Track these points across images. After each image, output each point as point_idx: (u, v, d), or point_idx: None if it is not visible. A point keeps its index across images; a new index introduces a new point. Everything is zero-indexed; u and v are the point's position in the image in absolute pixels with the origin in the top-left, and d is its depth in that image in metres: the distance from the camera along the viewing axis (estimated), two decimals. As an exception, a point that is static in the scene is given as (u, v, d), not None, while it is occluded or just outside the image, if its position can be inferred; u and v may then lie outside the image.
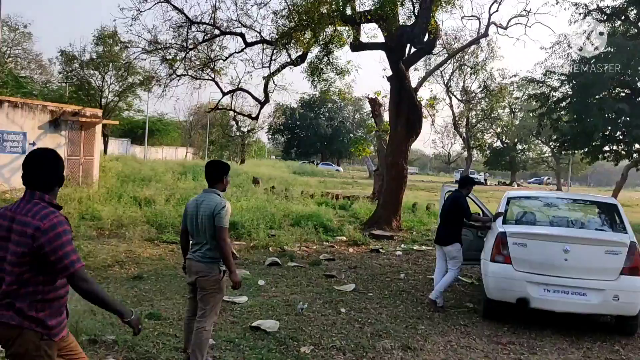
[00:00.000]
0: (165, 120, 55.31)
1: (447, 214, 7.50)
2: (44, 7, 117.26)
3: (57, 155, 2.89)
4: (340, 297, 7.43)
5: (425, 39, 12.94)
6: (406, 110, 14.09)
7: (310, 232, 12.22)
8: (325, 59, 14.06)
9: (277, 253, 10.48)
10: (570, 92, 17.21)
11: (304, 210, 14.77)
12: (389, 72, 14.31)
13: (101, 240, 10.49)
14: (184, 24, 15.40)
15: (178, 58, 15.77)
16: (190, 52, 16.79)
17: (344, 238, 12.53)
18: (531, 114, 59.56)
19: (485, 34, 17.21)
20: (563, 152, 20.52)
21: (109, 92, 33.59)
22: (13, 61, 40.59)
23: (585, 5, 15.95)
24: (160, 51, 15.18)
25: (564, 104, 17.72)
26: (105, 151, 32.77)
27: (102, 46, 31.06)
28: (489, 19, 16.97)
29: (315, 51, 14.22)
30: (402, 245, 12.11)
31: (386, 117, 18.61)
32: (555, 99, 18.23)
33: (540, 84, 18.61)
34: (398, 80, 13.61)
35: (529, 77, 18.79)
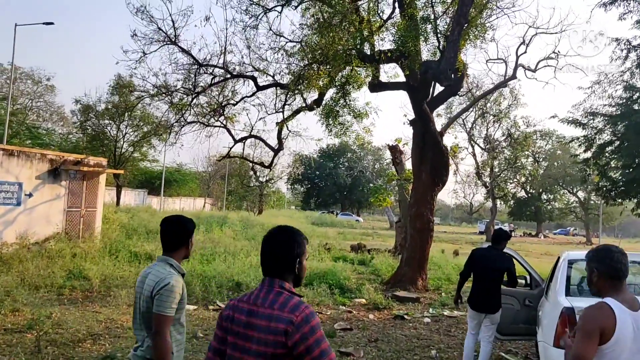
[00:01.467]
0: (183, 171, 54.80)
1: (496, 274, 6.22)
2: (60, 57, 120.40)
3: (296, 234, 2.39)
4: (357, 386, 5.92)
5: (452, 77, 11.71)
6: (431, 156, 12.78)
7: (324, 294, 10.72)
8: (342, 100, 12.90)
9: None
10: (620, 134, 15.61)
11: (318, 267, 13.29)
12: (411, 116, 13.11)
13: (83, 306, 9.14)
14: (192, 66, 14.52)
15: (185, 102, 14.81)
16: (199, 97, 15.88)
17: (363, 301, 10.99)
18: (555, 164, 58.42)
19: (514, 76, 15.99)
20: (611, 202, 18.39)
21: (123, 142, 33.00)
22: (35, 113, 40.75)
23: (629, 41, 14.65)
24: (165, 95, 14.22)
25: (612, 147, 16.10)
26: (117, 202, 31.90)
27: (117, 95, 30.64)
28: (517, 60, 15.79)
29: (330, 93, 13.09)
30: (430, 310, 10.50)
31: (408, 165, 17.34)
32: (601, 142, 16.63)
33: (583, 126, 17.00)
34: (422, 123, 12.35)
35: (570, 118, 17.21)
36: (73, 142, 36.73)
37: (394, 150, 19.95)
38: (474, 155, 42.32)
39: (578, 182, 56.78)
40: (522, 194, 61.76)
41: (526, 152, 45.36)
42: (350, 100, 12.96)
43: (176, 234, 3.18)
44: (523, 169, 49.41)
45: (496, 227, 55.93)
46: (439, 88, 12.91)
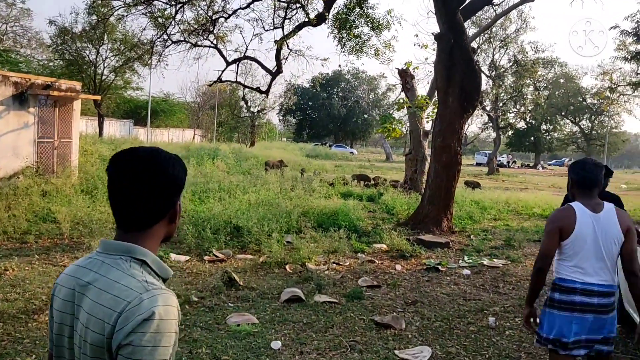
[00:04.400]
0: (170, 101, 52.24)
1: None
2: None
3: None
4: (412, 379, 4.33)
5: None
6: (460, 77, 10.84)
7: (339, 239, 9.06)
8: (357, 9, 10.75)
9: (296, 274, 7.39)
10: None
11: (327, 206, 11.63)
12: (424, 38, 11.08)
13: (48, 258, 7.43)
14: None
15: (169, 15, 12.59)
16: (185, 12, 13.62)
17: (384, 247, 9.39)
18: (557, 93, 56.30)
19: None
20: None
21: (104, 67, 30.37)
22: (12, 39, 37.63)
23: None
24: (144, 4, 11.96)
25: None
26: (100, 133, 29.73)
27: (95, 15, 27.78)
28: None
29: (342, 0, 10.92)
30: (466, 259, 8.91)
31: (420, 90, 15.35)
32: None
33: None
34: (454, 36, 10.33)
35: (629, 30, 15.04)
36: (51, 68, 34.00)
37: (405, 74, 17.86)
38: (478, 83, 40.18)
39: (582, 110, 55.16)
40: (521, 124, 60.05)
41: (527, 81, 43.29)
42: (367, 8, 10.80)
43: (148, 191, 1.38)
44: (525, 98, 47.42)
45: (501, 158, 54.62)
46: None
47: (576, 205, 3.19)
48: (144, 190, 1.36)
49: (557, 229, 3.17)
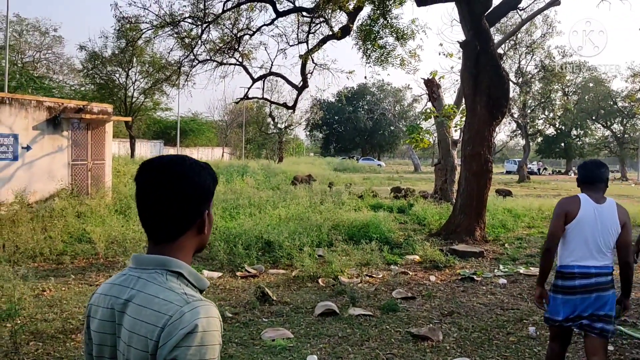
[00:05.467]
0: (199, 120, 53.00)
1: None
2: (61, 4, 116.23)
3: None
4: (452, 392, 4.23)
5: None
6: (487, 83, 10.72)
7: (371, 251, 8.98)
8: (381, 19, 10.75)
9: (329, 287, 7.33)
10: None
11: (357, 219, 11.57)
12: (449, 47, 11.00)
13: (85, 278, 7.54)
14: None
15: (195, 35, 12.80)
16: (210, 31, 13.82)
17: (417, 258, 9.26)
18: (586, 97, 55.17)
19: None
20: None
21: (134, 89, 31.05)
22: (45, 66, 38.88)
23: None
24: (171, 26, 12.19)
25: None
26: (132, 154, 30.33)
27: (124, 39, 28.50)
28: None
29: (366, 11, 10.94)
30: (501, 268, 8.73)
31: (447, 99, 15.22)
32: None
33: None
34: (480, 43, 10.23)
35: None
36: (82, 92, 34.94)
37: (431, 84, 17.78)
38: (505, 90, 39.67)
39: (613, 114, 53.90)
40: (551, 130, 58.99)
41: (556, 87, 42.57)
42: (391, 19, 10.79)
43: (173, 198, 1.36)
44: (553, 104, 46.58)
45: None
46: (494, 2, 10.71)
47: (582, 195, 3.70)
48: (169, 198, 1.34)
49: (563, 213, 3.67)
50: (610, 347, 5.08)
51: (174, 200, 1.34)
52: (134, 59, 29.73)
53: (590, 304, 3.61)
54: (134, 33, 14.48)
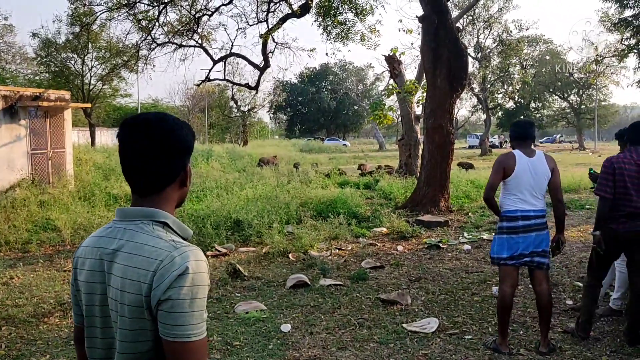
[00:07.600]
0: (160, 106, 52.11)
1: None
2: None
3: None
4: (422, 349, 4.42)
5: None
6: (447, 57, 10.92)
7: (339, 225, 9.15)
8: (340, -4, 10.80)
9: (300, 261, 7.46)
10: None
11: (324, 195, 11.71)
12: (408, 23, 11.13)
13: (52, 264, 7.48)
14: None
15: (152, 17, 12.59)
16: (168, 13, 13.61)
17: (385, 230, 9.48)
18: (544, 70, 56.33)
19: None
20: None
21: (90, 76, 30.27)
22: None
23: None
24: (126, 8, 11.95)
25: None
26: (92, 143, 29.67)
27: (78, 26, 27.69)
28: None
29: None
30: (466, 235, 9.03)
31: (408, 75, 15.42)
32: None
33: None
34: (438, 16, 10.40)
35: None
36: (37, 81, 33.86)
37: (392, 60, 17.94)
38: (465, 65, 40.21)
39: (570, 86, 55.29)
40: (510, 104, 60.19)
41: (513, 60, 43.35)
42: (350, -5, 10.86)
43: (160, 150, 1.42)
44: (512, 78, 47.49)
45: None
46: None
47: (516, 152, 4.25)
48: (156, 150, 1.41)
49: (501, 169, 4.22)
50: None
51: (161, 153, 1.41)
52: (90, 45, 28.92)
53: (530, 242, 4.19)
54: (89, 17, 14.10)
